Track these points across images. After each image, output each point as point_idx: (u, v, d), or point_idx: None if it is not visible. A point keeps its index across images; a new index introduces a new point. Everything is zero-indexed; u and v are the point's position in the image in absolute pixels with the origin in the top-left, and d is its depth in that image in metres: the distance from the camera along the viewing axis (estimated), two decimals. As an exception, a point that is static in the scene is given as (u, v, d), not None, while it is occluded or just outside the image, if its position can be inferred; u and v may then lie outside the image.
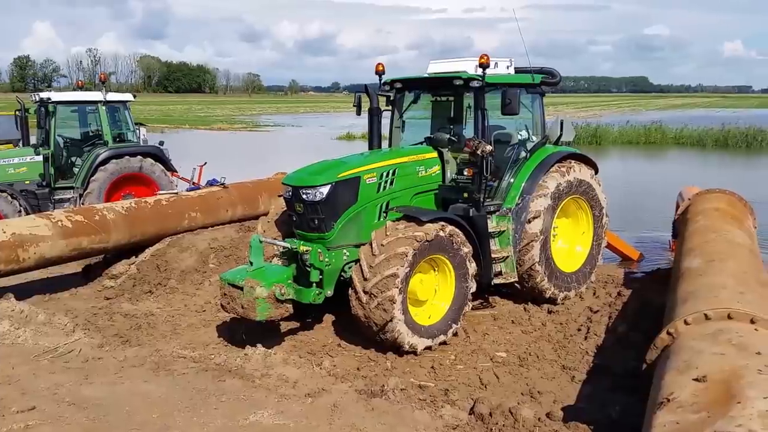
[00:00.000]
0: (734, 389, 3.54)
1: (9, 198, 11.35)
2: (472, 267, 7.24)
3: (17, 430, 3.55)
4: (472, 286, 7.30)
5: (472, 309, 7.52)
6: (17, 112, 13.64)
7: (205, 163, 14.43)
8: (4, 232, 8.26)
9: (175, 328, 7.35)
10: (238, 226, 10.70)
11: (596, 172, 8.80)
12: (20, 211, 11.24)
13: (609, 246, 10.09)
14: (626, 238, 11.64)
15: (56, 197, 12.29)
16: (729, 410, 3.33)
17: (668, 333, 4.63)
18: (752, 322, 4.46)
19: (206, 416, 3.62)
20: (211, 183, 12.40)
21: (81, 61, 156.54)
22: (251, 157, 30.29)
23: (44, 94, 13.01)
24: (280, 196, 7.73)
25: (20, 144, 14.04)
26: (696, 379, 3.72)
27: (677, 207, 9.79)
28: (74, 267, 10.09)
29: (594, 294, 8.58)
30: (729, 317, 4.52)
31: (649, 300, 7.71)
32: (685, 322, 4.60)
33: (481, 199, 7.57)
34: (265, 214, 8.34)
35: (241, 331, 6.87)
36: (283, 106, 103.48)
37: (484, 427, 3.92)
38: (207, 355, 4.77)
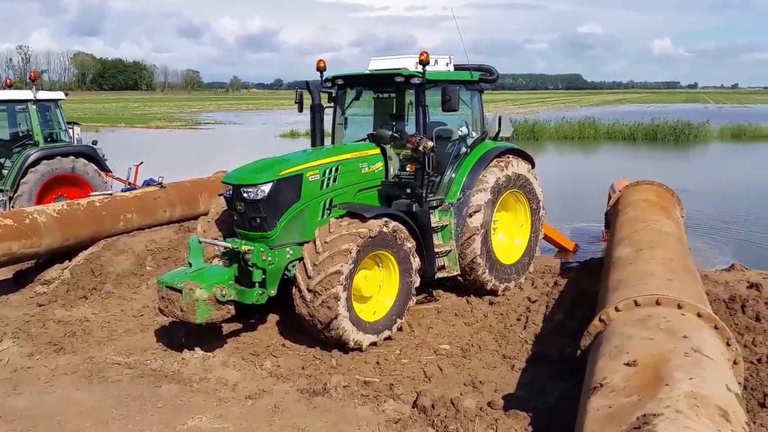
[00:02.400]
0: (662, 372, 3.70)
1: (-70, 203, 10.75)
2: (415, 262, 7.30)
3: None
4: (416, 281, 7.37)
5: (416, 303, 7.60)
6: (-66, 113, 12.93)
7: (141, 162, 14.04)
8: (-75, 239, 7.83)
9: (112, 333, 7.12)
10: (177, 227, 10.47)
11: (533, 167, 9.02)
12: (-58, 217, 10.63)
13: (546, 238, 10.38)
14: (562, 230, 12.01)
15: (-15, 201, 11.72)
16: (658, 392, 3.49)
17: (600, 320, 4.80)
18: (679, 307, 4.67)
19: (142, 423, 3.53)
20: (148, 183, 12.09)
21: (11, 59, 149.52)
22: (191, 155, 29.63)
23: (-34, 93, 12.38)
24: (220, 195, 7.61)
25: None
26: (627, 364, 3.87)
27: (609, 199, 10.15)
28: (4, 273, 9.63)
29: (532, 284, 8.82)
30: (657, 303, 4.72)
31: (583, 289, 7.98)
32: (616, 309, 4.78)
33: (424, 195, 7.64)
34: (205, 214, 8.19)
35: (181, 335, 6.72)
36: (225, 103, 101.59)
37: (426, 420, 3.97)
38: (143, 361, 4.64)
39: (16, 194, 11.74)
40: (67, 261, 9.44)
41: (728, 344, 4.53)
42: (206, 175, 12.43)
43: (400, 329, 7.25)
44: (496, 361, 6.48)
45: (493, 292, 8.40)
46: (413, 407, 4.18)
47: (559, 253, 11.46)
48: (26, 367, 4.33)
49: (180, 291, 6.38)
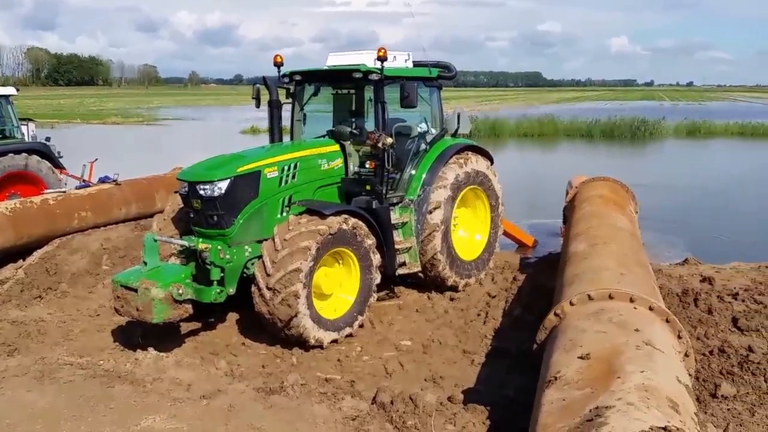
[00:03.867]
0: (615, 365, 3.80)
1: None
2: (376, 258, 7.32)
3: None
4: (377, 278, 7.38)
5: (377, 300, 7.62)
6: None
7: (96, 159, 13.72)
8: None
9: (68, 334, 6.96)
10: (133, 225, 10.29)
11: (492, 163, 9.12)
12: None
13: (505, 233, 10.52)
14: (521, 226, 12.19)
15: (-70, 199, 11.28)
16: (610, 385, 3.58)
17: (555, 314, 4.90)
18: (631, 300, 4.80)
19: (94, 424, 3.46)
20: (103, 180, 11.84)
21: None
22: (148, 152, 29.06)
23: None
24: (176, 192, 7.48)
25: None
26: (581, 357, 3.96)
27: (567, 195, 10.34)
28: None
29: (492, 280, 8.93)
30: (610, 297, 4.84)
31: (542, 283, 8.13)
32: (571, 303, 4.89)
33: (384, 191, 7.66)
34: (162, 212, 8.05)
35: (138, 335, 6.61)
36: (184, 99, 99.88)
37: (385, 416, 3.99)
38: (95, 362, 4.55)
39: (-35, 192, 11.35)
40: (21, 260, 9.20)
41: (679, 336, 4.67)
42: (163, 172, 12.22)
43: (361, 326, 7.26)
44: (457, 356, 6.55)
45: (454, 288, 8.48)
46: (372, 403, 4.20)
47: (519, 248, 11.63)
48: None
49: (135, 290, 6.26)
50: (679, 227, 13.77)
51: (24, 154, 12.13)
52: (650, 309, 4.74)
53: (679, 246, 12.01)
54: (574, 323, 4.58)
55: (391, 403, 4.22)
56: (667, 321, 4.71)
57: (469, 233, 9.11)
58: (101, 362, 4.54)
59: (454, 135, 8.95)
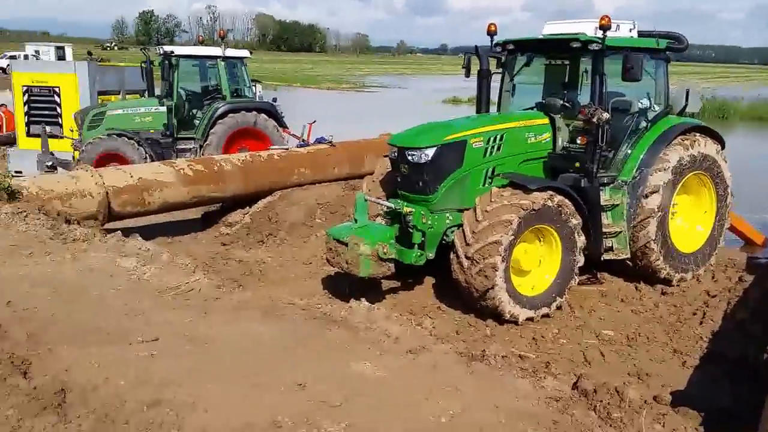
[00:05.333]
0: None
1: (135, 145, 12.12)
2: (580, 240, 7.01)
3: (142, 358, 3.86)
4: (580, 260, 7.08)
5: (578, 284, 7.31)
6: (143, 65, 14.47)
7: (315, 121, 14.74)
8: (132, 177, 8.90)
9: (284, 276, 7.69)
10: (344, 184, 10.94)
11: (723, 148, 8.18)
12: (146, 158, 11.99)
13: (732, 228, 9.42)
14: (752, 221, 10.82)
15: (178, 147, 12.99)
16: None
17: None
18: None
19: (312, 359, 3.80)
20: (319, 141, 12.66)
21: (201, 18, 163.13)
22: (357, 117, 30.66)
23: (168, 48, 13.67)
24: (385, 156, 7.79)
25: (146, 94, 14.92)
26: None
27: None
28: (194, 213, 10.75)
29: (713, 278, 8.07)
30: None
31: (773, 289, 7.17)
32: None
33: (594, 170, 7.26)
34: (370, 174, 8.45)
35: (345, 285, 7.07)
36: (390, 68, 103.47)
37: (587, 403, 3.83)
38: (314, 304, 4.98)
39: (205, 143, 12.89)
40: (248, 207, 10.30)
41: None
42: (371, 137, 12.78)
43: (559, 308, 7.03)
44: (665, 355, 6.07)
45: (667, 282, 7.80)
46: (573, 389, 4.05)
47: (746, 246, 10.37)
48: (214, 298, 4.82)
49: (346, 244, 6.68)
50: None
51: (254, 112, 13.40)
52: None
53: None
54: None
55: (594, 391, 4.03)
56: None
57: (690, 224, 8.29)
58: (319, 306, 4.95)
59: (681, 113, 8.16)
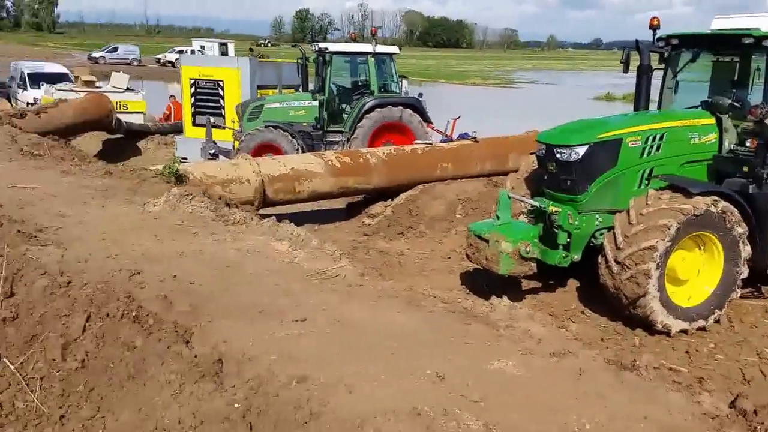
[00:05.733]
0: None
1: (289, 137, 12.85)
2: (745, 250, 6.43)
3: (293, 335, 4.09)
4: (744, 272, 6.50)
5: (740, 297, 6.71)
6: (299, 61, 15.26)
7: (459, 116, 14.73)
8: (285, 166, 9.45)
9: (423, 269, 7.82)
10: (486, 180, 10.85)
11: None
12: (297, 149, 12.67)
13: None
14: None
15: (327, 139, 13.61)
16: None
17: None
18: None
19: (452, 354, 3.81)
20: (463, 137, 12.66)
21: (353, 16, 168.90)
22: (502, 113, 30.19)
23: (322, 45, 14.32)
24: (532, 153, 7.62)
25: (300, 89, 15.73)
26: None
27: None
28: (339, 203, 11.21)
29: None
30: None
31: None
32: None
33: (765, 175, 6.62)
34: (514, 171, 8.31)
35: (484, 282, 7.03)
36: (539, 63, 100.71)
37: (746, 424, 3.51)
38: (454, 298, 5.00)
39: (352, 136, 13.38)
40: (390, 199, 10.56)
41: None
42: (517, 134, 12.54)
43: (717, 321, 6.50)
44: (844, 383, 5.40)
45: None
46: (730, 407, 3.73)
47: None
48: (358, 285, 4.99)
49: (487, 241, 6.63)
50: None
51: (400, 107, 13.69)
52: None
53: None
54: None
55: (755, 413, 3.68)
56: None
57: None
58: (459, 300, 4.96)
59: None
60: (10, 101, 22.60)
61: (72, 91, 18.42)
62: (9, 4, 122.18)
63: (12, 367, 3.69)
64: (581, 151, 6.58)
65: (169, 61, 55.96)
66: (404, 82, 15.27)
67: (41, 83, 22.06)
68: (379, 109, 13.46)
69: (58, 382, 3.61)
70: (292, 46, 17.15)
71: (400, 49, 15.76)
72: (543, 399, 3.40)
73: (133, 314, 4.00)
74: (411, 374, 3.67)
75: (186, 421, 3.24)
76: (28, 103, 20.72)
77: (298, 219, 9.27)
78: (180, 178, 8.32)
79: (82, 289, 4.16)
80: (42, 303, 4.04)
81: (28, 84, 23.08)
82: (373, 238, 9.22)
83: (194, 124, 16.39)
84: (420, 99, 14.26)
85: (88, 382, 3.59)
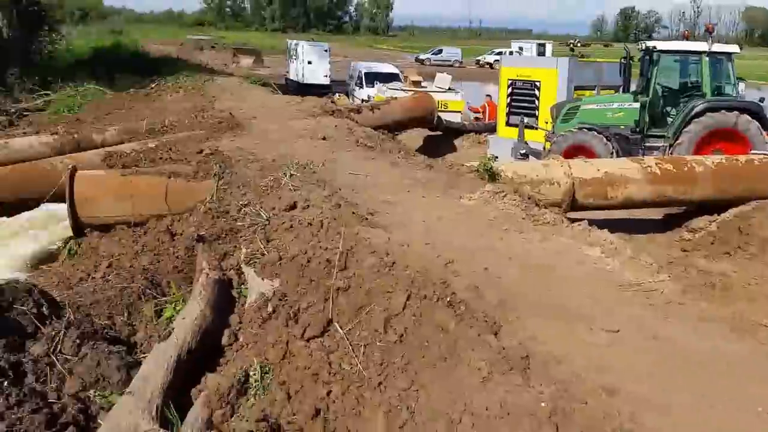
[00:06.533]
0: None
1: (604, 140, 12.31)
2: None
3: (603, 345, 3.95)
4: None
5: None
6: (622, 60, 14.48)
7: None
8: (598, 170, 9.13)
9: (751, 295, 6.83)
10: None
11: None
12: (612, 153, 12.07)
13: None
14: None
15: (646, 144, 12.67)
16: None
17: None
18: None
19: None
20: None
21: (683, 12, 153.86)
22: None
23: (650, 43, 13.38)
24: None
25: (620, 90, 14.93)
26: None
27: None
28: (655, 213, 10.41)
29: None
30: None
31: None
32: None
33: None
34: None
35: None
36: None
37: None
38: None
39: (676, 142, 12.25)
40: (715, 214, 9.47)
41: None
42: None
43: None
44: None
45: None
46: None
47: None
48: (678, 303, 4.61)
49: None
50: None
51: (736, 112, 12.11)
52: None
53: None
54: None
55: None
56: None
57: None
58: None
59: None
60: (348, 97, 26.16)
61: (401, 90, 20.46)
62: (351, 9, 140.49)
63: (341, 331, 4.25)
64: None
65: (488, 63, 58.07)
66: (741, 85, 13.49)
67: (375, 82, 24.99)
68: (710, 113, 12.09)
69: (379, 352, 4.03)
70: (604, 46, 16.44)
71: (741, 47, 13.94)
72: None
73: (447, 299, 4.28)
74: (735, 408, 3.31)
75: (493, 409, 3.36)
76: (362, 100, 23.70)
77: (608, 226, 8.90)
78: (493, 176, 8.64)
79: (404, 270, 4.61)
80: (370, 279, 4.56)
81: (363, 82, 26.39)
82: (692, 255, 8.36)
83: (508, 123, 16.76)
84: (761, 104, 12.44)
85: (405, 356, 3.94)
